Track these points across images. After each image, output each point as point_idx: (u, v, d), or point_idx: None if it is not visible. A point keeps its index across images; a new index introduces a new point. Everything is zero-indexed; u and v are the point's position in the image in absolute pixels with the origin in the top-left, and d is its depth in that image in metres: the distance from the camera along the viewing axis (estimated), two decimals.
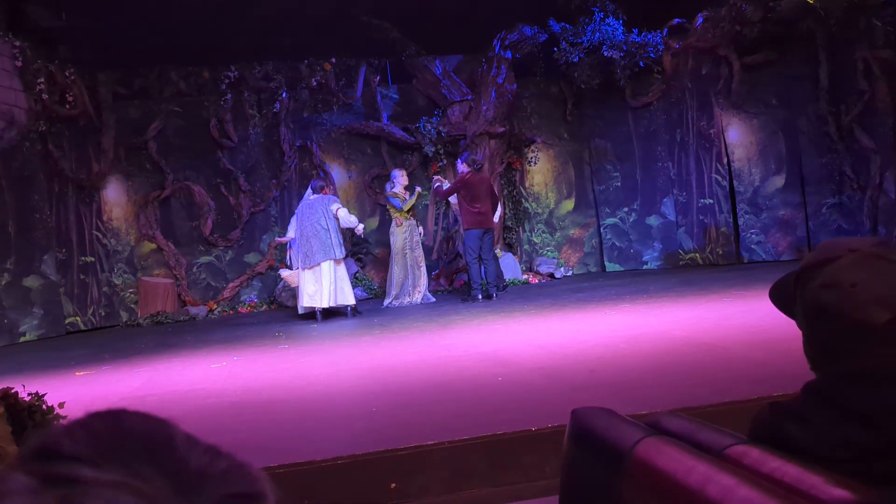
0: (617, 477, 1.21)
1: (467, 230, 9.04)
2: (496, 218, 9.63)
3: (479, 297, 8.90)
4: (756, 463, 1.08)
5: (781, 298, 1.25)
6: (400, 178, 9.70)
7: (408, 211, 9.50)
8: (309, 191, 8.76)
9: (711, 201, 10.82)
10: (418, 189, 9.81)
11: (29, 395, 2.77)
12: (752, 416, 1.27)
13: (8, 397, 2.49)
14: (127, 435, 0.51)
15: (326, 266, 8.30)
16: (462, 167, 9.19)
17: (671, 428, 1.29)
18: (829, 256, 1.12)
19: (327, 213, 8.38)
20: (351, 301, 8.56)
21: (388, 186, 9.79)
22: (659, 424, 1.32)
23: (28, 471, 0.47)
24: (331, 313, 8.62)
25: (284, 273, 9.25)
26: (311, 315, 8.56)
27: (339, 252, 8.40)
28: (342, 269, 8.51)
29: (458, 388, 4.10)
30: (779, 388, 3.13)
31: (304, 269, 8.40)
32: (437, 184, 9.71)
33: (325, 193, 8.75)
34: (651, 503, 1.12)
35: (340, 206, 8.59)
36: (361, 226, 8.95)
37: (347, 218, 8.47)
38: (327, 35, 10.68)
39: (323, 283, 8.30)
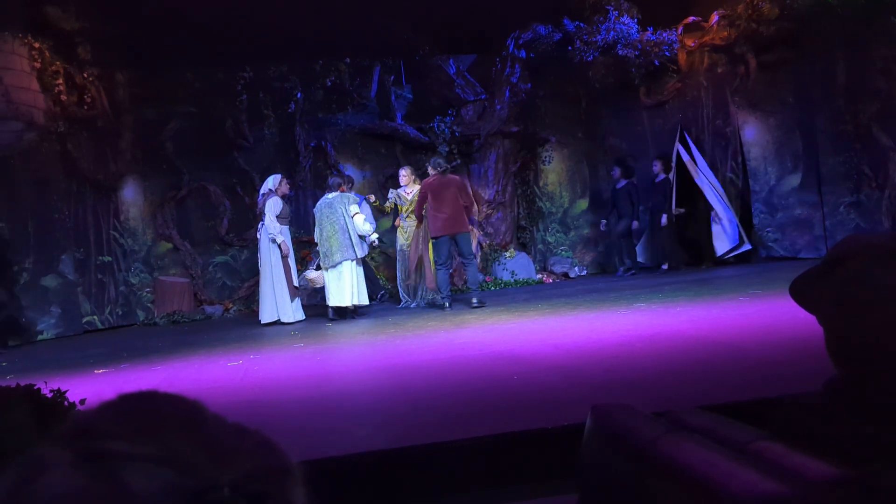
0: (639, 472, 1.21)
1: (433, 238, 8.58)
2: (474, 217, 9.23)
3: (447, 304, 8.43)
4: (780, 459, 1.08)
5: (803, 294, 1.24)
6: (401, 178, 9.51)
7: (412, 211, 9.15)
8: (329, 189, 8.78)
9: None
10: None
11: (51, 391, 2.81)
12: (770, 414, 1.26)
13: (31, 394, 2.53)
14: (159, 413, 0.53)
15: (347, 266, 8.31)
16: (430, 171, 8.73)
17: (693, 424, 1.29)
18: (854, 251, 1.12)
19: (346, 212, 8.35)
20: (365, 301, 8.57)
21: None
22: (680, 421, 1.32)
23: (65, 447, 0.48)
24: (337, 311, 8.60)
25: (311, 274, 9.24)
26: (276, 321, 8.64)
27: (359, 251, 8.37)
28: (361, 268, 8.53)
29: (474, 386, 4.10)
30: (796, 387, 3.11)
31: (325, 268, 8.45)
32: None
33: (343, 191, 8.68)
34: (674, 498, 1.12)
35: (359, 209, 8.52)
36: (376, 235, 8.82)
37: (362, 226, 8.42)
38: (342, 35, 10.71)
39: (344, 282, 8.32)
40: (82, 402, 2.86)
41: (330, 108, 11.77)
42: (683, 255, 10.83)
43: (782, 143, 10.18)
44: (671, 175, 10.66)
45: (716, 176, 10.63)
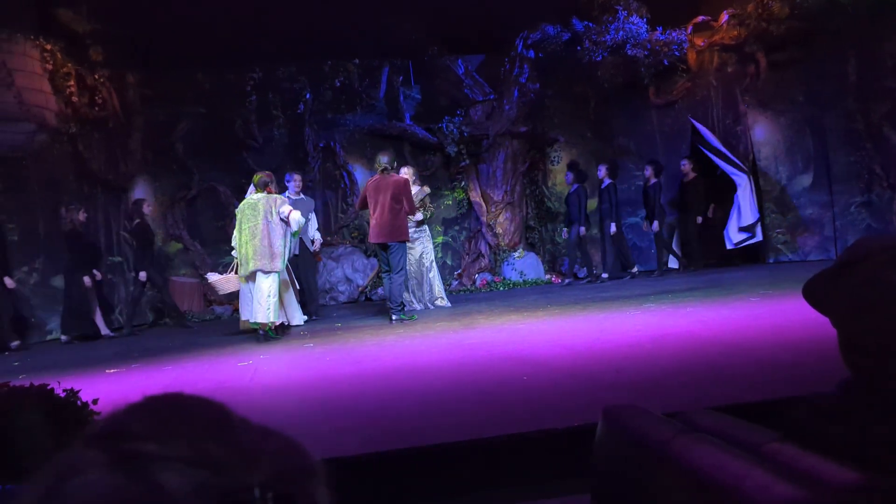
0: (651, 473, 1.21)
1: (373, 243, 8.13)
2: (413, 224, 8.59)
3: (392, 317, 7.80)
4: (792, 460, 1.08)
5: (816, 296, 1.24)
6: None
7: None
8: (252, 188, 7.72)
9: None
10: (426, 189, 9.37)
11: (64, 391, 2.83)
12: (783, 416, 1.26)
13: (45, 393, 2.55)
14: (187, 414, 0.54)
15: (262, 278, 7.13)
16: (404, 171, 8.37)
17: (705, 425, 1.29)
18: (868, 253, 1.12)
19: (272, 216, 7.18)
20: (292, 319, 7.72)
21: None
22: (692, 422, 1.32)
23: (99, 449, 0.49)
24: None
25: (212, 278, 7.84)
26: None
27: (279, 263, 7.21)
28: (278, 282, 7.33)
29: (484, 387, 4.11)
30: (809, 388, 3.10)
31: (241, 278, 7.38)
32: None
33: (270, 192, 7.46)
34: (686, 500, 1.13)
35: (292, 207, 7.41)
36: (318, 234, 8.17)
37: (299, 220, 7.30)
38: (350, 36, 10.73)
39: (260, 295, 7.17)
40: (94, 401, 2.87)
41: (339, 109, 11.80)
42: (700, 256, 10.78)
43: (793, 143, 10.13)
44: (691, 176, 10.57)
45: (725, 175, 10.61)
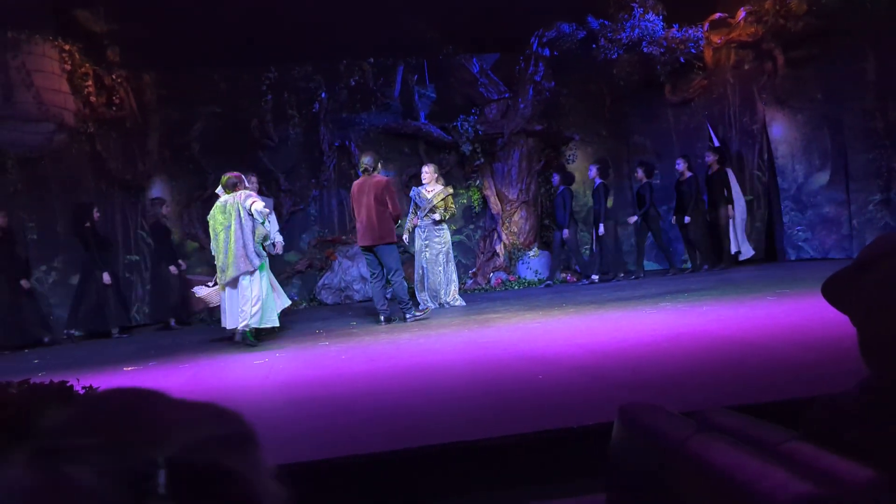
0: (668, 472, 1.20)
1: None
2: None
3: (382, 318, 7.75)
4: (811, 459, 1.08)
5: (835, 294, 1.23)
6: (423, 175, 9.22)
7: (429, 211, 8.98)
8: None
9: (751, 198, 10.64)
10: (449, 189, 9.31)
11: (83, 388, 2.86)
12: (798, 415, 1.25)
13: (65, 390, 2.58)
14: (108, 406, 0.56)
15: (244, 280, 6.81)
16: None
17: (722, 424, 1.28)
18: (888, 251, 1.11)
19: (241, 214, 6.80)
20: (268, 321, 7.07)
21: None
22: (709, 421, 1.31)
23: (25, 447, 0.51)
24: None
25: (200, 292, 7.39)
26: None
27: (254, 261, 6.85)
28: (263, 282, 6.99)
29: (499, 386, 4.10)
30: (827, 388, 3.07)
31: (221, 286, 7.00)
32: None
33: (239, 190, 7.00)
34: (703, 498, 1.12)
35: (258, 199, 6.95)
36: (279, 238, 7.69)
37: (262, 209, 6.82)
38: (365, 35, 10.76)
39: (242, 299, 6.88)
40: None
41: (354, 108, 11.84)
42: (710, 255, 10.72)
43: (810, 141, 10.04)
44: (692, 175, 10.51)
45: (741, 173, 10.55)
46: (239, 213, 6.73)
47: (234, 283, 6.81)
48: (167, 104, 11.13)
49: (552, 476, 2.85)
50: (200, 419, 0.56)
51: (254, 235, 6.82)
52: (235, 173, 7.05)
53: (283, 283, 11.47)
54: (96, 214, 9.58)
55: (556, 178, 10.80)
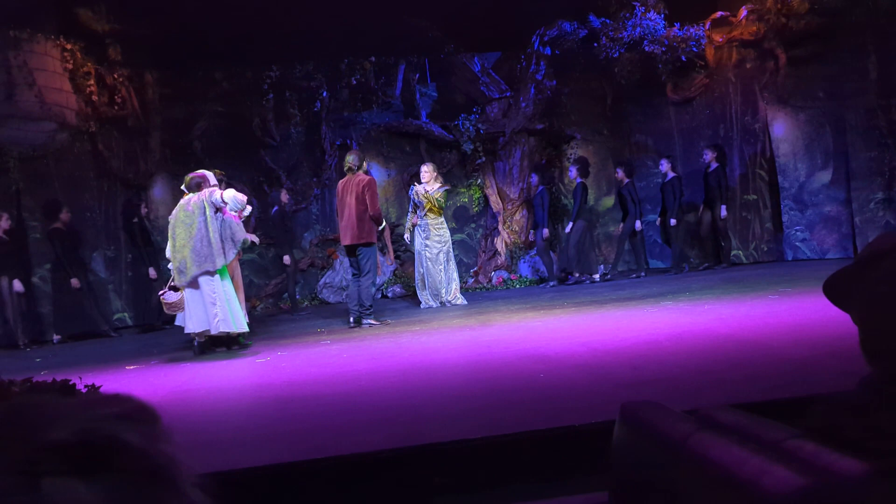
0: (670, 470, 1.21)
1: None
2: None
3: (351, 320, 7.67)
4: (812, 457, 1.08)
5: (837, 292, 1.23)
6: (423, 174, 9.24)
7: (429, 210, 9.02)
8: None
9: (755, 197, 10.63)
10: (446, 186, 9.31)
11: (85, 386, 2.87)
12: (804, 413, 1.25)
13: (68, 389, 2.59)
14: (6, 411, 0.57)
15: (206, 281, 6.39)
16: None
17: (723, 422, 1.28)
18: (890, 249, 1.11)
19: (208, 212, 6.45)
20: (238, 327, 6.60)
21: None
22: (711, 418, 1.32)
23: None
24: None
25: (170, 298, 6.67)
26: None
27: (224, 258, 6.50)
28: (226, 283, 6.60)
29: (500, 384, 4.11)
30: (828, 386, 3.08)
31: (181, 288, 6.53)
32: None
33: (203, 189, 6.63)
34: (706, 496, 1.13)
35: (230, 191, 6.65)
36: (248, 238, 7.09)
37: (237, 197, 6.59)
38: (366, 34, 10.76)
39: (206, 301, 6.44)
40: None
41: (355, 107, 11.83)
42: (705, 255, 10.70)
43: (812, 139, 10.03)
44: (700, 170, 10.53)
45: (745, 171, 10.57)
46: (204, 210, 6.38)
47: (194, 283, 6.38)
48: (169, 103, 11.13)
49: (554, 474, 2.85)
50: (91, 403, 0.58)
51: (222, 233, 6.43)
52: (200, 172, 6.79)
53: (285, 282, 11.51)
54: (143, 210, 9.74)
55: (535, 178, 10.77)
